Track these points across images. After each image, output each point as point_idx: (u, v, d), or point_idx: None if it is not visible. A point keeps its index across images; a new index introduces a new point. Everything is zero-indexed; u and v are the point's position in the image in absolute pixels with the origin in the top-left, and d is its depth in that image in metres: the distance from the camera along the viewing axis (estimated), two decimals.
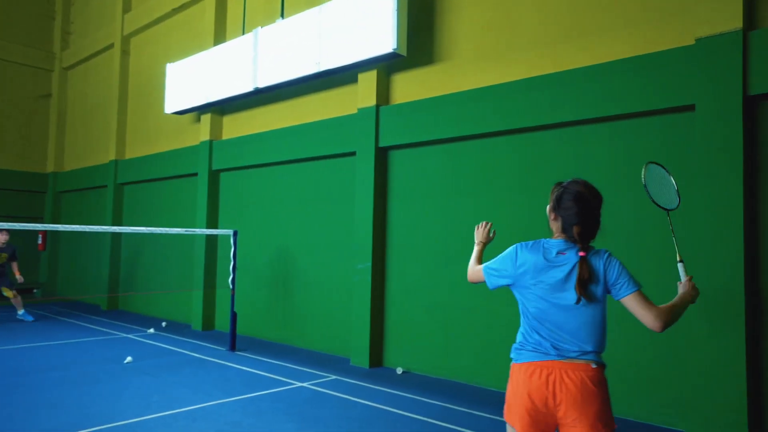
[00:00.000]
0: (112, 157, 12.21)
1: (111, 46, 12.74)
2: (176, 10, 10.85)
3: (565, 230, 2.32)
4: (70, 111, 14.61)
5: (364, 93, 7.16)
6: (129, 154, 12.08)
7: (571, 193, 2.33)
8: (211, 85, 8.91)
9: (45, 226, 6.66)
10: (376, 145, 6.98)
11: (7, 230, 9.82)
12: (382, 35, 6.44)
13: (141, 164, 11.47)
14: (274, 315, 8.48)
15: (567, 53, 5.56)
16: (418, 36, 6.82)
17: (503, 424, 4.66)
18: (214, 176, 9.66)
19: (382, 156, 7.08)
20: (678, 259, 2.58)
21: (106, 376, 6.07)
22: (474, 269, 2.73)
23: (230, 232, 7.91)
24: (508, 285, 2.46)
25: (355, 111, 7.38)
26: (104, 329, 9.33)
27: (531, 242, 2.42)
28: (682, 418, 4.68)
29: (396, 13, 6.35)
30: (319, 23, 7.19)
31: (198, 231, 8.41)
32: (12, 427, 4.35)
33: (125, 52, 12.31)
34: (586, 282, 2.20)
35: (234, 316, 7.71)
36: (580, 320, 2.23)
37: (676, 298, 2.35)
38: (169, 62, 10.21)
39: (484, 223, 3.00)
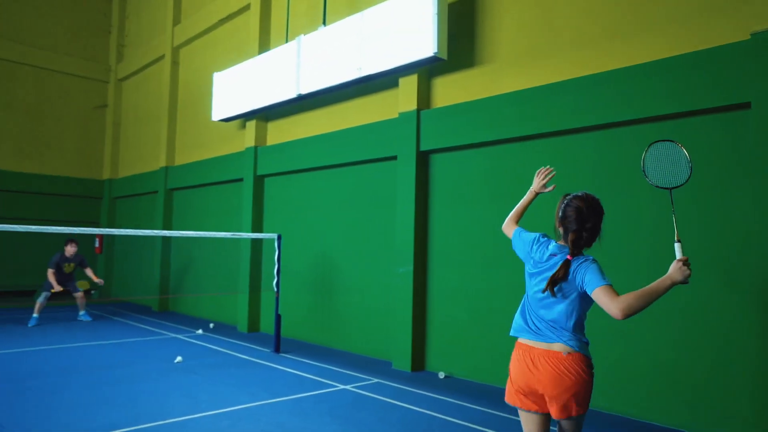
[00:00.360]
0: (162, 163, 12.69)
1: (162, 57, 13.25)
2: (222, 21, 11.20)
3: (564, 237, 2.68)
4: (124, 120, 15.28)
5: (405, 97, 7.19)
6: (178, 161, 12.52)
7: (572, 206, 2.66)
8: (255, 92, 9.14)
9: (101, 231, 6.98)
10: (417, 149, 6.99)
11: (76, 242, 10.25)
12: (422, 40, 6.46)
13: (189, 170, 11.87)
14: (317, 318, 8.59)
15: (611, 52, 5.43)
16: (458, 40, 6.80)
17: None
18: (258, 181, 9.89)
19: (423, 160, 7.08)
20: (676, 239, 2.58)
21: (158, 374, 6.30)
22: (511, 222, 3.13)
23: (274, 236, 8.08)
24: (521, 258, 2.85)
25: (396, 115, 7.42)
26: (155, 329, 9.69)
27: (545, 238, 2.79)
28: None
29: (436, 17, 6.35)
30: (360, 29, 7.27)
31: (243, 235, 8.63)
32: (69, 421, 4.58)
33: (175, 63, 12.78)
34: (558, 280, 2.55)
35: (278, 318, 7.87)
36: (554, 312, 2.61)
37: (652, 283, 2.47)
38: (216, 71, 10.53)
39: (545, 169, 3.18)
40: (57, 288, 9.92)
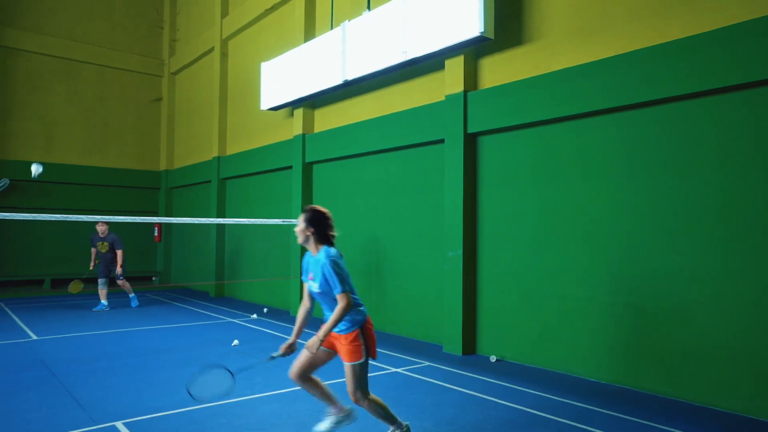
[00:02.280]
0: (215, 153, 13.07)
1: (211, 49, 13.58)
2: (269, 11, 11.34)
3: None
4: (177, 113, 15.80)
5: (451, 79, 7.09)
6: (230, 151, 12.86)
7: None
8: (302, 80, 9.24)
9: (160, 219, 7.30)
10: (464, 131, 6.90)
11: (106, 222, 10.16)
12: (468, 19, 6.33)
13: (240, 159, 12.17)
14: (367, 302, 8.68)
15: (669, 23, 5.15)
16: (505, 17, 6.63)
17: (604, 415, 4.48)
18: (307, 168, 10.03)
19: (471, 142, 6.99)
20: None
21: (216, 357, 6.56)
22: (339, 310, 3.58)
23: None
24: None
25: (442, 98, 7.33)
26: (213, 314, 10.06)
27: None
28: None
29: None
30: (404, 12, 7.20)
31: (294, 221, 8.80)
32: (137, 400, 4.84)
33: (224, 55, 13.07)
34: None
35: None
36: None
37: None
38: (264, 61, 10.70)
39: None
40: (91, 265, 10.37)
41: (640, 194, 5.36)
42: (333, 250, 3.60)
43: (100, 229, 10.37)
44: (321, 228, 3.64)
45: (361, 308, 3.63)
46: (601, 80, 5.56)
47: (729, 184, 4.76)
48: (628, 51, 5.40)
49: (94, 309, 10.34)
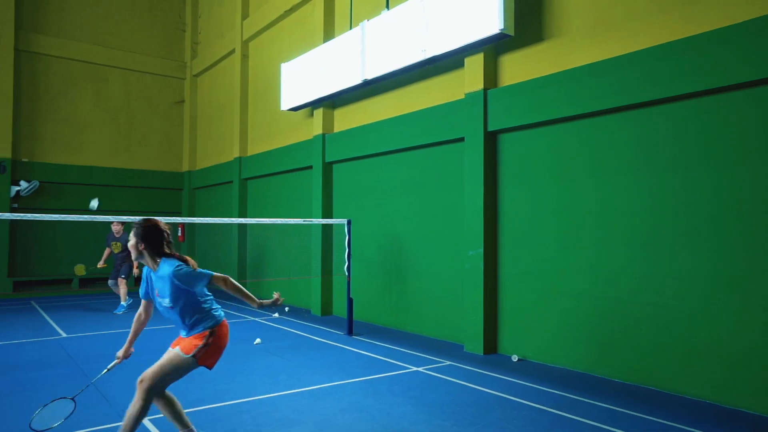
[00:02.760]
0: (236, 154, 13.22)
1: (232, 51, 13.73)
2: (288, 12, 11.42)
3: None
4: (199, 114, 16.02)
5: (471, 77, 7.06)
6: (251, 151, 12.99)
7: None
8: (322, 80, 9.29)
9: (184, 220, 7.42)
10: (484, 129, 6.86)
11: (122, 222, 10.17)
12: (488, 16, 6.29)
13: (261, 160, 12.29)
14: (388, 301, 8.71)
15: (695, 16, 5.05)
16: (525, 13, 6.57)
17: (629, 416, 4.43)
18: (327, 168, 10.09)
19: (491, 140, 6.95)
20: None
21: (240, 355, 6.64)
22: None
23: (344, 221, 8.23)
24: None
25: (462, 96, 7.30)
26: (235, 313, 10.19)
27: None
28: None
29: None
30: (423, 10, 7.19)
31: (314, 221, 8.86)
32: None
33: (245, 56, 13.21)
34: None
35: (350, 302, 8.04)
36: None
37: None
38: (284, 62, 10.79)
39: None
40: (101, 264, 10.30)
41: (662, 192, 5.28)
42: (173, 260, 3.38)
43: (115, 228, 10.33)
44: (153, 242, 3.40)
45: (215, 313, 3.51)
46: (624, 76, 5.48)
47: (752, 181, 4.66)
48: (650, 46, 5.31)
49: (115, 311, 10.11)
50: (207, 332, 3.44)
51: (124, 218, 7.16)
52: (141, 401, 3.40)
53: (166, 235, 3.48)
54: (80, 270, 10.43)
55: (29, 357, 6.46)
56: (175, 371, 3.44)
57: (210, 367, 3.50)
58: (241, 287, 3.45)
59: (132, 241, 3.42)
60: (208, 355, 3.44)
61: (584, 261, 5.93)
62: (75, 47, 14.37)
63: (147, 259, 3.43)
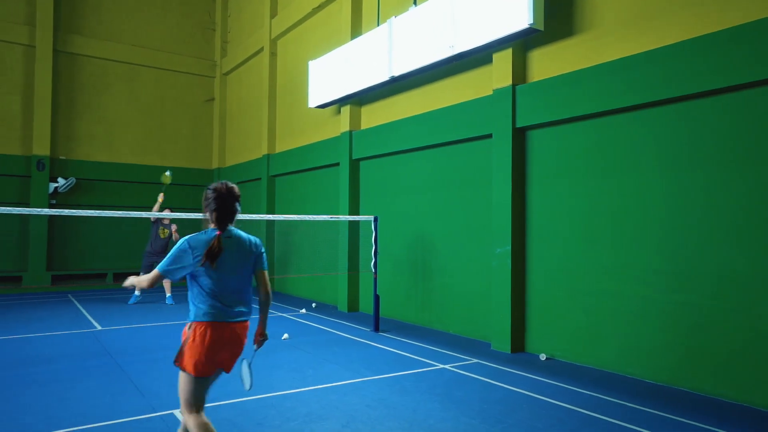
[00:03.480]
0: (264, 151, 13.38)
1: (261, 49, 13.89)
2: (316, 10, 11.49)
3: (210, 218, 3.06)
4: (229, 112, 16.26)
5: (499, 73, 6.98)
6: (279, 148, 13.13)
7: (210, 190, 3.07)
8: (349, 77, 9.31)
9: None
10: (513, 125, 6.78)
11: (170, 208, 10.65)
12: (517, 11, 6.21)
13: (289, 157, 12.41)
14: (414, 298, 8.70)
15: (732, 6, 4.89)
16: (555, 8, 6.47)
17: (658, 417, 4.33)
18: (354, 165, 10.12)
19: (519, 137, 6.87)
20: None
21: (267, 350, 6.72)
22: (149, 277, 3.02)
23: (371, 218, 8.25)
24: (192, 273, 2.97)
25: (490, 92, 7.23)
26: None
27: (194, 239, 3.00)
28: None
29: None
30: (451, 6, 7.14)
31: (341, 218, 8.91)
32: None
33: (273, 54, 13.34)
34: (215, 253, 2.92)
35: (377, 298, 8.07)
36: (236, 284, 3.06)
37: (263, 317, 3.36)
38: (311, 59, 10.85)
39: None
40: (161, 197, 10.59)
41: (696, 188, 5.14)
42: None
43: (166, 220, 10.63)
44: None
45: (202, 305, 2.92)
46: (657, 70, 5.34)
47: None
48: (685, 39, 5.17)
49: (167, 302, 10.51)
50: (188, 325, 2.97)
51: (168, 214, 7.42)
52: (183, 421, 3.02)
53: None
54: (167, 179, 10.80)
55: (65, 348, 6.68)
56: (183, 384, 2.97)
57: (192, 373, 2.89)
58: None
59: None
60: (184, 356, 2.91)
61: (613, 259, 5.81)
62: (109, 47, 14.74)
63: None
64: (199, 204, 15.92)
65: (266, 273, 3.21)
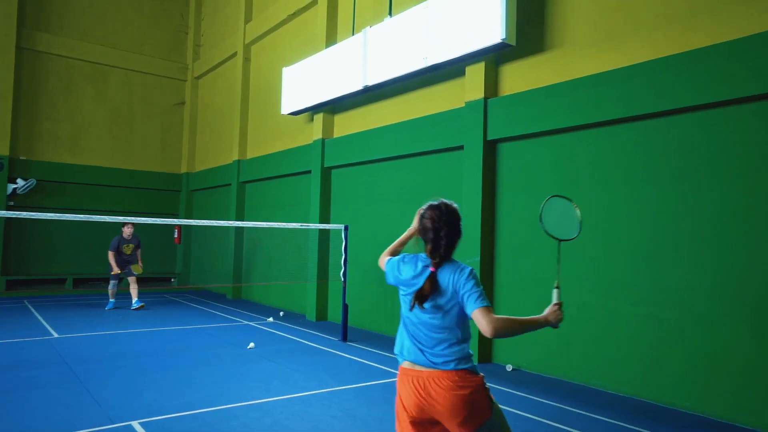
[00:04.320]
0: (235, 157, 13.20)
1: (234, 54, 13.75)
2: (291, 17, 11.45)
3: (425, 247, 2.50)
4: (200, 116, 16.02)
5: (471, 86, 7.06)
6: (250, 154, 12.98)
7: (427, 217, 2.56)
8: (323, 85, 9.29)
9: (180, 221, 7.38)
10: (484, 138, 6.86)
11: (132, 223, 10.29)
12: (490, 26, 6.30)
13: (260, 163, 12.27)
14: (383, 308, 8.66)
15: (696, 29, 5.07)
16: (527, 24, 6.59)
17: (624, 429, 4.39)
18: (326, 173, 10.07)
19: (490, 149, 6.94)
20: (555, 285, 2.65)
21: (232, 359, 6.59)
22: (386, 255, 2.81)
23: (341, 226, 8.20)
24: (395, 285, 2.59)
25: (462, 104, 7.31)
26: (230, 316, 10.13)
27: (411, 256, 2.55)
28: None
29: (504, 1, 6.18)
30: (426, 18, 7.20)
31: (312, 226, 8.83)
32: (152, 400, 4.88)
33: (247, 60, 13.22)
34: (426, 296, 2.32)
35: (345, 307, 8.00)
36: (438, 329, 2.34)
37: (531, 317, 2.53)
38: (285, 66, 10.79)
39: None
40: (116, 269, 10.29)
41: (660, 203, 5.27)
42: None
43: (128, 231, 10.41)
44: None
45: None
46: (625, 87, 5.48)
47: (753, 194, 4.65)
48: (651, 59, 5.32)
49: (107, 308, 10.42)
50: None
51: (130, 219, 7.14)
52: None
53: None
54: (137, 269, 10.58)
55: (18, 357, 6.40)
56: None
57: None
58: None
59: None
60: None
61: (582, 271, 5.90)
62: (77, 46, 14.37)
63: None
64: (165, 209, 15.69)
65: None
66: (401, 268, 2.54)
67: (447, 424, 2.28)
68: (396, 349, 2.50)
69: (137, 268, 10.53)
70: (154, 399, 4.90)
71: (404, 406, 2.34)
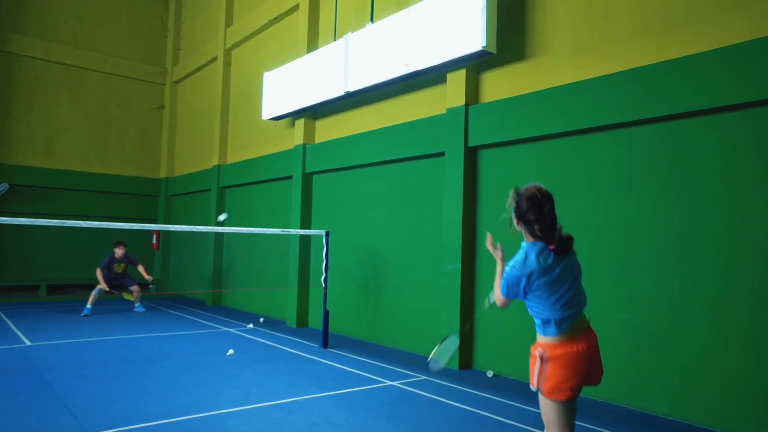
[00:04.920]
0: (215, 162, 13.07)
1: (215, 59, 13.65)
2: (272, 21, 11.41)
3: (533, 230, 2.94)
4: (179, 121, 15.84)
5: (452, 93, 7.11)
6: (230, 159, 12.87)
7: (529, 199, 2.94)
8: (304, 91, 9.27)
9: (159, 227, 7.27)
10: (465, 144, 6.90)
11: (124, 243, 10.94)
12: (470, 33, 6.36)
13: (241, 169, 12.17)
14: (364, 314, 8.63)
15: (672, 41, 5.18)
16: (508, 32, 6.66)
17: None
18: (307, 179, 10.03)
19: (471, 156, 6.99)
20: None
21: (211, 366, 6.49)
22: (498, 286, 3.09)
23: (322, 232, 8.17)
24: (527, 289, 2.99)
25: (443, 111, 7.35)
26: (209, 323, 10.00)
27: (534, 246, 2.97)
28: None
29: (485, 10, 6.25)
30: (407, 25, 7.24)
31: (292, 231, 8.78)
32: (127, 408, 4.78)
33: (227, 64, 13.13)
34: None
35: (326, 314, 7.95)
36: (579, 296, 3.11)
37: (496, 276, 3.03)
38: (266, 71, 10.74)
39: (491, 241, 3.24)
40: (104, 287, 10.56)
41: (638, 209, 5.35)
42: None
43: (119, 252, 10.82)
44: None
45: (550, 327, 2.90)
46: (603, 96, 5.57)
47: (732, 203, 4.75)
48: (631, 68, 5.42)
49: (82, 314, 10.35)
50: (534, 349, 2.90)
51: (107, 225, 6.94)
52: None
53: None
54: (129, 296, 11.26)
55: None
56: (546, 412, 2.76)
57: (550, 396, 2.73)
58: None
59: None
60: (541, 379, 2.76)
61: None
62: (53, 48, 14.13)
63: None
64: (143, 214, 15.44)
65: None
66: (536, 266, 2.90)
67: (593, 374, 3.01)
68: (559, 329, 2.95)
69: (129, 295, 11.11)
70: (130, 407, 4.80)
71: (576, 374, 2.85)
